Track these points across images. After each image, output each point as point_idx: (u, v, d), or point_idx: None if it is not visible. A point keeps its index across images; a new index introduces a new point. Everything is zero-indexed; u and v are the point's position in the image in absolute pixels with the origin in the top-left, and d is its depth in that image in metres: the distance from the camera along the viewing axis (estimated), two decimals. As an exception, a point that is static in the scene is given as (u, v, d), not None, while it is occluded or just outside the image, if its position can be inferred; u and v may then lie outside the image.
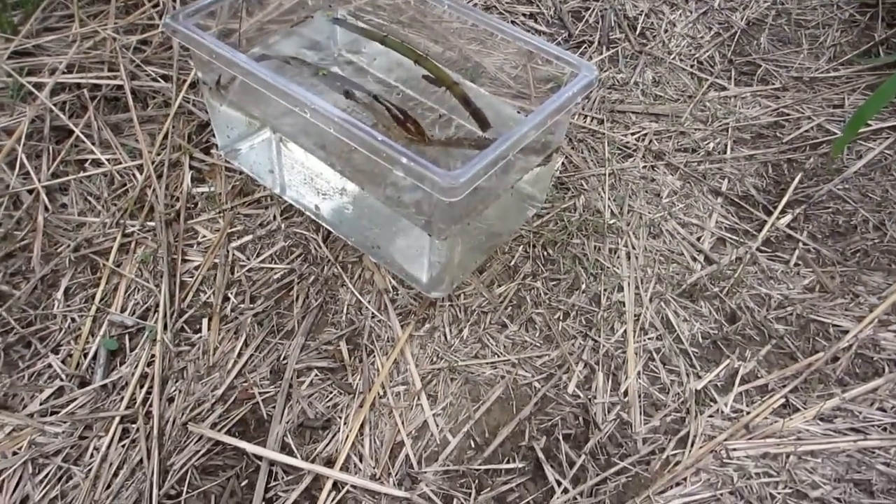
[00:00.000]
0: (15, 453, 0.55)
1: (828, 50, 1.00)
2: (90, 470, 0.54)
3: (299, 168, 0.66)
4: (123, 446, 0.55)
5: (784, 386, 0.62)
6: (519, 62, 0.68)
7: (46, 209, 0.69)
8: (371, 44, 0.75)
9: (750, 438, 0.59)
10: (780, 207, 0.77)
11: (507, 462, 0.56)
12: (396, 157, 0.50)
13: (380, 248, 0.64)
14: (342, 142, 0.53)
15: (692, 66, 0.93)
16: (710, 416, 0.60)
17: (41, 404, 0.57)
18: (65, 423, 0.56)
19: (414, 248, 0.61)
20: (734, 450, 0.58)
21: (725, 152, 0.82)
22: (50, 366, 0.59)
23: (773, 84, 0.93)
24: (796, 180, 0.80)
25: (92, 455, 0.55)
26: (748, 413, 0.60)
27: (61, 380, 0.58)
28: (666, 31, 0.97)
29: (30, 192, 0.70)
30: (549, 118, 0.56)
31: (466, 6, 0.65)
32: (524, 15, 0.96)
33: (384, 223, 0.63)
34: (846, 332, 0.67)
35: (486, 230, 0.65)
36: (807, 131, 0.86)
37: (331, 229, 0.67)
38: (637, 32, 0.97)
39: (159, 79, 0.81)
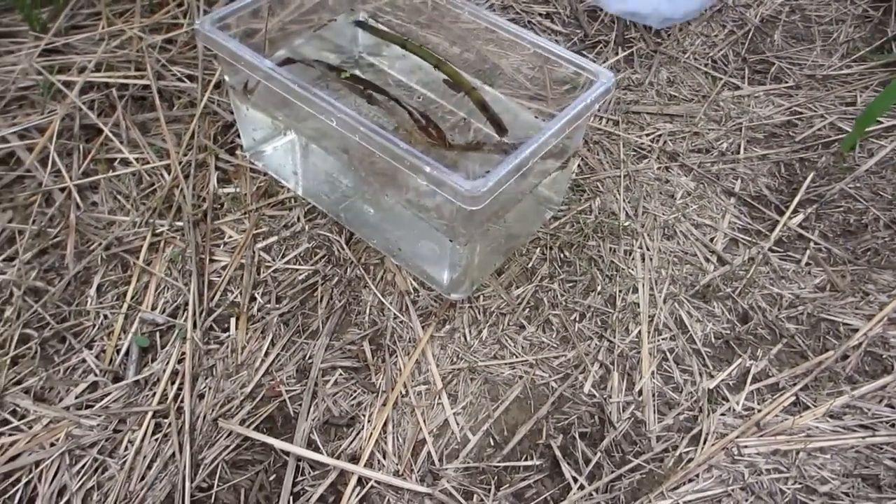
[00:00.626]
0: (52, 444, 0.57)
1: (841, 46, 1.01)
2: (125, 462, 0.56)
3: (322, 171, 0.68)
4: (156, 440, 0.57)
5: (795, 384, 0.64)
6: (535, 64, 0.69)
7: (78, 207, 0.71)
8: (392, 47, 0.77)
9: (761, 436, 0.60)
10: (791, 207, 0.78)
11: (525, 459, 0.58)
12: (420, 166, 0.52)
13: (401, 250, 0.66)
14: (365, 147, 0.55)
15: (706, 65, 0.94)
16: (722, 414, 0.62)
17: (76, 398, 0.60)
18: (99, 416, 0.58)
19: (435, 251, 0.63)
20: (745, 447, 0.60)
21: (739, 152, 0.84)
22: (84, 361, 0.62)
23: (787, 82, 0.94)
24: (808, 179, 0.81)
25: (126, 448, 0.57)
26: (759, 411, 0.62)
27: (95, 375, 0.61)
28: (681, 29, 0.98)
29: (62, 190, 0.72)
30: (567, 125, 0.57)
31: (484, 11, 0.67)
32: (540, 15, 0.97)
33: (406, 226, 0.64)
34: (856, 330, 0.68)
35: (505, 233, 0.66)
36: (819, 130, 0.88)
37: (353, 231, 0.69)
38: (652, 31, 0.98)
39: (185, 79, 0.83)
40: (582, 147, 0.80)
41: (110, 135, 0.76)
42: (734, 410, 0.62)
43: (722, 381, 0.64)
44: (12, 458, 0.56)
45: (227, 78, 0.70)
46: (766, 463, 0.59)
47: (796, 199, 0.79)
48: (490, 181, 0.51)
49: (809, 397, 0.63)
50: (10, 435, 0.57)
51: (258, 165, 0.75)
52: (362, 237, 0.69)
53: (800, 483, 0.58)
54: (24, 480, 0.55)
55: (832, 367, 0.66)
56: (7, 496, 0.54)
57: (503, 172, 0.52)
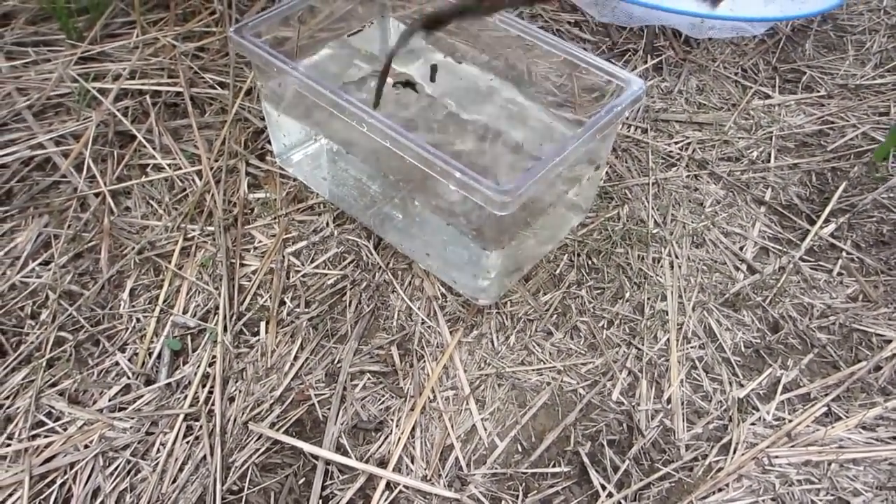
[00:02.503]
0: (86, 446, 0.58)
1: (874, 56, 1.00)
2: (157, 464, 0.57)
3: (351, 176, 0.69)
4: (188, 443, 0.58)
5: (826, 395, 0.64)
6: (564, 71, 0.69)
7: (112, 212, 0.72)
8: (424, 57, 0.77)
9: (792, 446, 0.60)
10: (823, 216, 0.77)
11: (553, 466, 0.58)
12: (450, 171, 0.52)
13: (429, 255, 0.66)
14: (395, 152, 0.56)
15: (736, 74, 0.94)
16: (753, 423, 0.61)
17: (110, 400, 0.61)
18: (132, 418, 0.59)
19: (463, 256, 0.63)
20: (776, 457, 0.59)
21: (769, 161, 0.83)
22: (117, 363, 0.63)
23: (818, 91, 0.93)
24: (840, 189, 0.80)
25: (158, 450, 0.58)
26: (790, 421, 0.61)
27: (128, 377, 0.62)
28: (710, 38, 0.98)
29: (96, 195, 0.73)
30: (597, 133, 0.57)
31: (514, 18, 0.67)
32: (569, 23, 0.98)
33: (434, 232, 0.65)
34: (889, 341, 0.67)
35: (534, 239, 0.66)
36: (851, 139, 0.87)
37: (382, 237, 0.70)
38: (681, 40, 0.97)
39: (216, 86, 0.84)
40: (609, 155, 0.80)
41: (143, 141, 0.78)
42: (764, 420, 0.61)
43: (752, 390, 0.63)
44: (48, 460, 0.57)
45: (259, 84, 0.71)
46: (798, 474, 0.58)
47: (828, 209, 0.78)
48: (520, 187, 0.51)
49: (841, 408, 0.63)
50: (45, 437, 0.58)
51: (288, 171, 0.75)
52: (391, 242, 0.69)
53: (832, 495, 0.57)
54: (59, 482, 0.56)
55: (864, 377, 0.65)
56: (42, 497, 0.55)
57: (533, 178, 0.52)
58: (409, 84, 0.75)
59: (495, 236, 0.58)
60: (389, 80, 0.75)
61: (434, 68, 0.76)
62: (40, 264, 0.69)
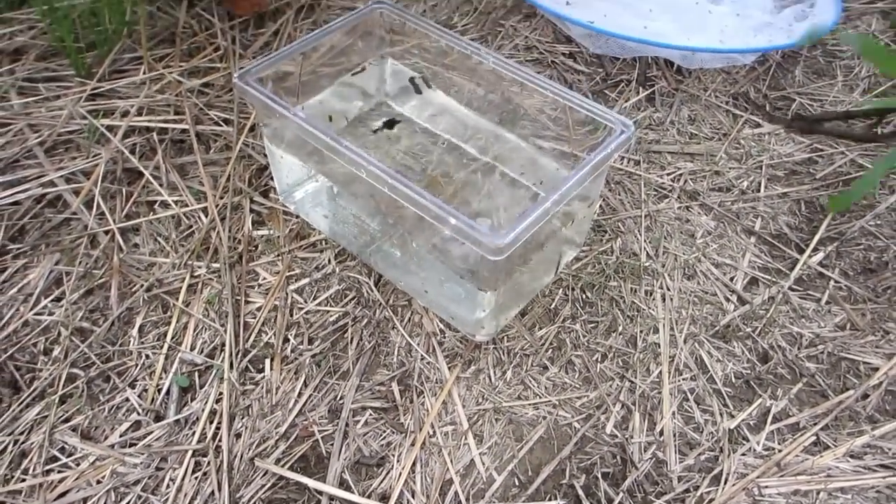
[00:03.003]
0: (99, 482, 0.60)
1: (862, 81, 1.02)
2: (167, 499, 0.59)
3: (351, 214, 0.71)
4: (196, 478, 0.60)
5: (815, 424, 0.66)
6: (558, 105, 0.72)
7: (121, 249, 0.74)
8: (420, 95, 0.80)
9: (781, 476, 0.62)
10: (812, 245, 0.79)
11: (550, 499, 0.60)
12: (445, 217, 0.55)
13: (428, 292, 0.68)
14: (392, 196, 0.58)
15: (727, 103, 0.96)
16: (743, 454, 0.63)
17: (121, 436, 0.63)
18: (142, 454, 0.61)
19: (460, 294, 0.65)
20: (766, 487, 0.61)
21: (759, 191, 0.85)
22: (128, 399, 0.65)
23: (814, 115, 0.95)
24: (829, 217, 0.82)
25: (168, 486, 0.60)
26: (780, 451, 0.63)
27: (138, 413, 0.64)
28: (701, 67, 1.00)
29: (106, 232, 0.76)
30: (588, 175, 0.59)
31: (506, 61, 0.69)
32: (563, 54, 1.00)
33: (432, 269, 0.67)
34: (876, 369, 0.69)
35: (529, 276, 0.68)
36: (840, 167, 0.89)
37: (382, 273, 0.72)
38: (674, 69, 1.00)
39: (221, 122, 0.86)
40: (603, 188, 0.83)
41: (151, 178, 0.80)
42: (755, 451, 0.63)
43: (742, 420, 0.65)
44: (62, 495, 0.59)
45: (261, 124, 0.73)
46: (787, 503, 0.60)
47: (816, 237, 0.80)
48: (513, 233, 0.54)
49: (830, 437, 0.65)
50: (59, 472, 0.60)
51: (290, 208, 0.78)
52: (390, 279, 0.72)
53: (819, 524, 0.59)
54: (72, 517, 0.58)
55: (852, 406, 0.67)
56: (56, 531, 0.57)
57: (526, 223, 0.55)
58: (391, 123, 0.78)
59: (490, 276, 0.60)
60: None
61: (412, 80, 0.78)
62: (52, 301, 0.71)
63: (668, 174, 0.86)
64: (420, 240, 0.66)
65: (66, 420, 0.64)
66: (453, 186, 0.75)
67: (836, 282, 0.77)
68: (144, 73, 0.91)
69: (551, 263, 0.72)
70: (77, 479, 0.60)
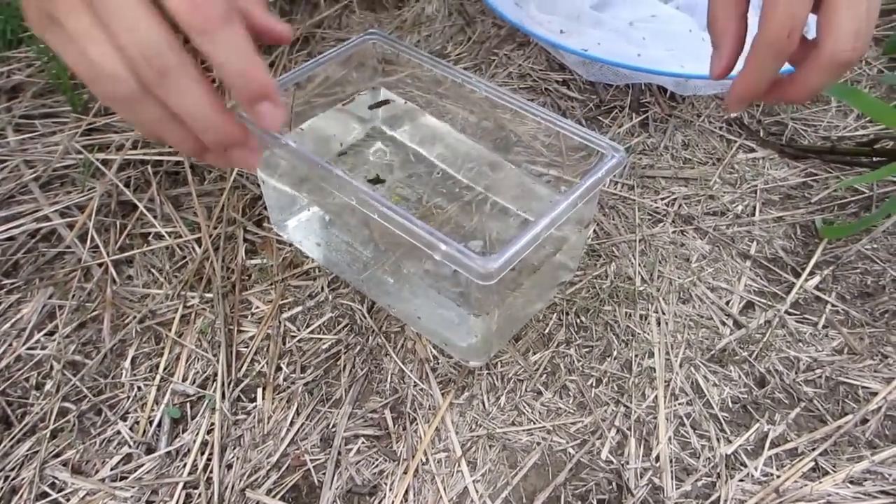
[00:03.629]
0: (88, 516, 0.59)
1: (858, 110, 1.02)
2: (156, 533, 0.58)
3: (343, 242, 0.71)
4: (186, 510, 0.59)
5: (814, 449, 0.65)
6: (551, 131, 0.72)
7: (114, 281, 0.74)
8: (413, 120, 0.80)
9: (780, 502, 0.61)
10: (808, 269, 0.79)
11: (544, 527, 0.59)
12: (435, 244, 0.55)
13: (420, 318, 0.68)
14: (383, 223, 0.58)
15: (720, 128, 0.97)
16: (741, 480, 0.62)
17: (111, 469, 0.62)
18: (133, 487, 0.61)
19: (452, 320, 0.65)
20: (764, 514, 0.60)
21: (754, 214, 0.85)
22: (119, 433, 0.64)
23: (803, 144, 0.95)
24: (824, 242, 0.82)
25: (158, 518, 0.59)
26: (778, 477, 0.63)
27: (129, 446, 0.63)
28: (695, 93, 1.00)
29: (99, 265, 0.76)
30: (579, 199, 0.59)
31: (501, 89, 0.70)
32: (557, 82, 1.01)
33: (424, 295, 0.67)
34: (875, 393, 0.69)
35: (522, 301, 0.68)
36: (835, 191, 0.89)
37: (374, 300, 0.72)
38: (667, 96, 1.00)
39: (215, 155, 0.87)
40: (597, 213, 0.83)
41: (145, 210, 0.80)
42: (752, 476, 0.62)
43: (740, 446, 0.64)
44: (50, 529, 0.59)
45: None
46: (786, 529, 0.59)
47: (812, 261, 0.80)
48: (503, 257, 0.53)
49: (829, 462, 0.64)
50: (48, 507, 0.60)
51: (283, 237, 0.78)
52: (383, 305, 0.71)
53: (820, 550, 0.58)
54: (60, 551, 0.57)
55: (851, 431, 0.66)
56: (44, 566, 0.56)
57: (516, 247, 0.54)
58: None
59: (483, 301, 0.60)
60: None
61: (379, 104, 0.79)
62: (45, 335, 0.71)
63: (663, 199, 0.86)
64: (412, 266, 0.66)
65: (57, 455, 0.63)
66: (446, 213, 0.75)
67: (832, 305, 0.76)
68: (140, 107, 0.91)
69: (545, 289, 0.72)
70: (67, 513, 0.60)
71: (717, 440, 0.65)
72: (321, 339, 0.70)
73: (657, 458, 0.63)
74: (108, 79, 0.42)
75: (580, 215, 0.68)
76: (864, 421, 0.67)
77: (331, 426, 0.64)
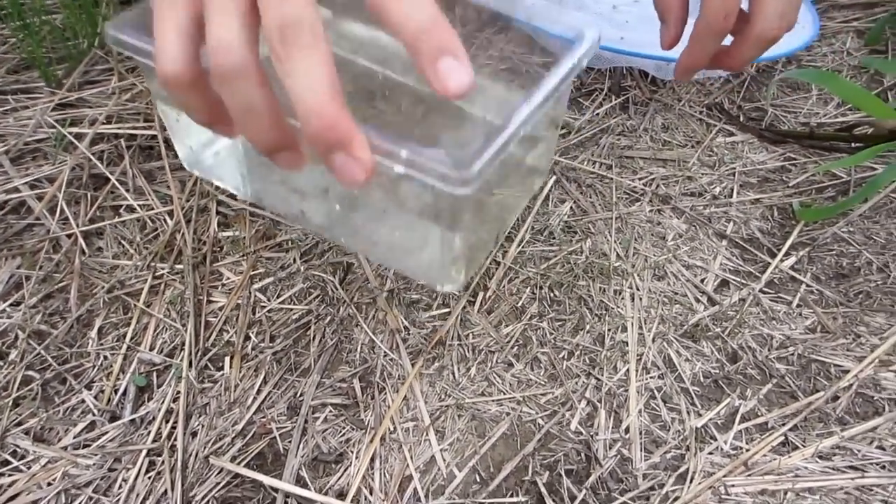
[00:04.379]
0: (49, 484, 0.58)
1: (836, 96, 1.02)
2: (118, 501, 0.57)
3: (274, 168, 0.58)
4: (150, 478, 0.58)
5: (784, 424, 0.64)
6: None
7: (83, 253, 0.73)
8: (351, 29, 0.72)
9: (749, 475, 0.60)
10: (784, 250, 0.79)
11: (511, 496, 0.58)
12: (395, 151, 0.44)
13: (379, 244, 0.61)
14: None
15: (701, 113, 0.96)
16: (710, 453, 0.62)
17: (74, 437, 0.61)
18: (96, 455, 0.60)
19: (418, 240, 0.58)
20: (732, 486, 0.60)
21: (731, 196, 0.85)
22: (83, 401, 0.63)
23: (782, 129, 0.95)
24: (801, 223, 0.82)
25: (120, 486, 0.58)
26: (747, 451, 0.62)
27: (93, 414, 0.62)
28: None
29: (68, 236, 0.75)
30: (555, 91, 0.51)
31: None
32: (538, 65, 1.00)
33: (381, 217, 0.59)
34: (847, 371, 0.68)
35: (497, 210, 0.63)
36: (813, 175, 0.89)
37: (319, 235, 0.66)
38: (648, 80, 1.00)
39: (190, 129, 0.86)
40: (574, 191, 0.82)
41: (117, 183, 0.79)
42: (722, 450, 0.62)
43: (710, 420, 0.64)
44: (11, 499, 0.57)
45: (151, 88, 0.66)
46: (754, 503, 0.58)
47: (788, 242, 0.80)
48: (481, 161, 0.45)
49: (798, 438, 0.63)
50: (9, 475, 0.59)
51: (197, 174, 0.71)
52: (331, 238, 0.66)
53: (789, 522, 0.58)
54: (18, 516, 0.56)
55: (822, 407, 0.66)
56: (2, 532, 0.55)
57: (494, 149, 0.46)
58: None
59: (456, 214, 0.52)
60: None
61: None
62: (11, 305, 0.70)
63: (641, 179, 0.85)
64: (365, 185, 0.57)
65: (19, 423, 0.62)
66: (394, 120, 0.67)
67: (807, 285, 0.76)
68: (115, 82, 0.91)
69: (518, 196, 0.66)
70: (27, 481, 0.59)
71: (688, 413, 0.64)
72: (291, 310, 0.69)
73: (627, 430, 0.62)
74: (223, 47, 0.37)
75: (554, 113, 0.63)
76: (835, 398, 0.67)
77: (298, 395, 0.63)
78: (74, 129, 0.84)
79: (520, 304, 0.71)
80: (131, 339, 0.67)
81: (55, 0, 0.98)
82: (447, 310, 0.69)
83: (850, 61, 1.10)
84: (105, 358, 0.66)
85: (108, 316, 0.69)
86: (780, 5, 0.54)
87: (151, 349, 0.66)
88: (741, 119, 0.97)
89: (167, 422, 0.62)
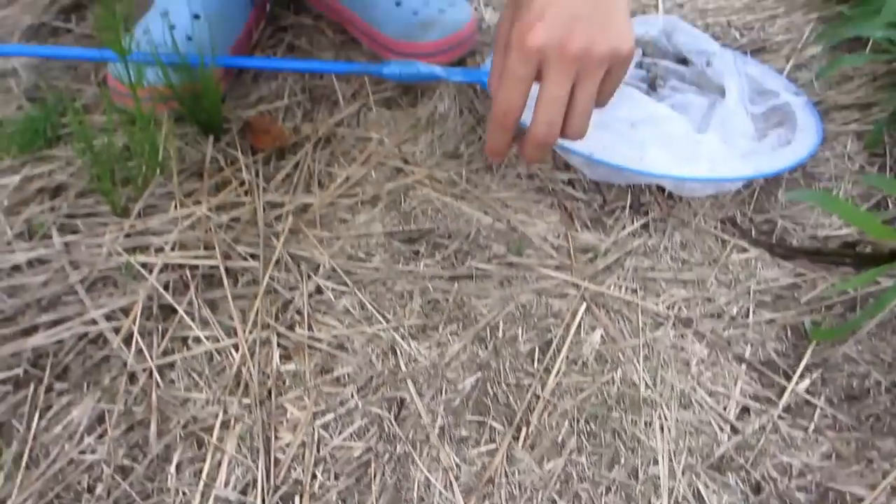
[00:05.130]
0: None
1: (835, 214, 1.09)
2: None
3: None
4: None
5: (805, 553, 0.71)
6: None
7: (158, 386, 0.80)
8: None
9: None
10: (798, 372, 0.85)
11: None
12: None
13: None
14: None
15: (715, 227, 1.03)
16: (738, 584, 0.68)
17: (161, 573, 0.68)
18: (182, 591, 0.66)
19: None
20: None
21: (748, 316, 0.92)
22: (166, 537, 0.70)
23: (790, 243, 1.02)
24: (813, 343, 0.89)
25: None
26: (772, 580, 0.69)
27: (177, 550, 0.69)
28: (692, 194, 1.07)
29: (144, 369, 0.82)
30: None
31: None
32: (563, 181, 1.08)
33: None
34: (861, 499, 0.75)
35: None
36: (822, 291, 0.96)
37: None
38: (665, 194, 1.07)
39: (248, 257, 0.93)
40: (603, 317, 0.89)
41: (185, 315, 0.87)
42: (749, 581, 0.68)
43: (737, 551, 0.70)
44: None
45: None
46: None
47: (802, 364, 0.86)
48: None
49: (819, 567, 0.70)
50: None
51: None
52: None
53: None
54: None
55: (839, 535, 0.72)
56: None
57: None
58: None
59: None
60: None
61: None
62: (95, 438, 0.76)
63: (664, 302, 0.92)
64: None
65: (110, 557, 0.69)
66: None
67: (821, 409, 0.82)
68: (176, 209, 0.98)
69: None
70: None
71: (717, 546, 0.71)
72: (352, 448, 0.76)
73: (662, 565, 0.69)
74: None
75: None
76: (851, 525, 0.73)
77: (364, 534, 0.70)
78: (142, 258, 0.91)
79: (559, 438, 0.77)
80: (207, 475, 0.74)
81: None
82: (494, 446, 0.76)
83: (851, 166, 1.17)
84: (184, 494, 0.73)
85: (185, 451, 0.76)
86: (547, 117, 0.69)
87: (226, 486, 0.73)
88: (752, 234, 1.04)
89: (246, 559, 0.68)
